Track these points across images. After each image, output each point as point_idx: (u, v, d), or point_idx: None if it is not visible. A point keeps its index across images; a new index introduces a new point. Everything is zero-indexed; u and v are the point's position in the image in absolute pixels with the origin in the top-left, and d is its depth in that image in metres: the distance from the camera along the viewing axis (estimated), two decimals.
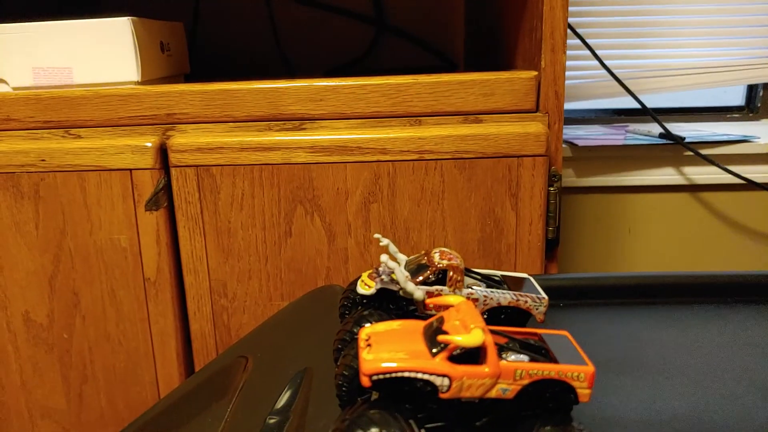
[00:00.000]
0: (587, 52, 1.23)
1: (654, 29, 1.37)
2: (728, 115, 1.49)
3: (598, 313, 0.56)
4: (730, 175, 1.30)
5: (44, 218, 0.74)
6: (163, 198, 0.74)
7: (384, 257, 0.42)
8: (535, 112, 0.75)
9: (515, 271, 0.74)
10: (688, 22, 1.37)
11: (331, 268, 0.76)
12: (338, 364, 0.39)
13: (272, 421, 0.43)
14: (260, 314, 0.77)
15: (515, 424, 0.33)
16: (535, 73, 0.74)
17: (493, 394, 0.32)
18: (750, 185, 1.35)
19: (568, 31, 1.11)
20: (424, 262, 0.44)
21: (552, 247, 0.77)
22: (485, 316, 0.44)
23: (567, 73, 1.39)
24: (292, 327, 0.58)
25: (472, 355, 0.33)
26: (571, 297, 0.58)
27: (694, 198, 1.37)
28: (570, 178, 1.34)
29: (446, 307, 0.39)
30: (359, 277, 0.45)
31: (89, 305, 0.76)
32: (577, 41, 1.21)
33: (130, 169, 0.73)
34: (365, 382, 0.32)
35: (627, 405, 0.41)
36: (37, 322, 0.77)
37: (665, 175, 1.33)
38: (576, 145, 1.29)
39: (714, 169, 1.31)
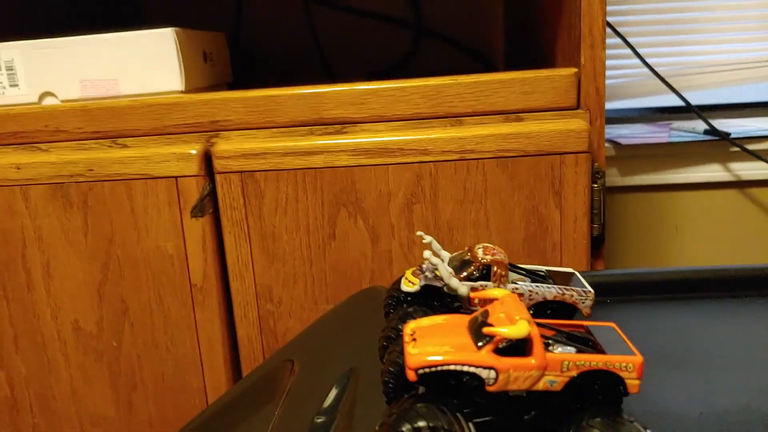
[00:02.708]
0: (629, 51, 1.22)
1: (696, 25, 1.35)
2: None
3: (645, 308, 0.55)
4: None
5: (93, 227, 0.76)
6: (209, 204, 0.75)
7: (427, 254, 0.42)
8: (576, 108, 0.74)
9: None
10: (730, 17, 1.34)
11: (376, 270, 0.76)
12: (384, 360, 0.39)
13: (320, 420, 0.43)
14: (306, 318, 0.77)
15: (564, 417, 0.33)
16: (575, 69, 0.73)
17: (540, 386, 0.32)
18: None
19: (609, 30, 1.10)
20: (467, 258, 0.44)
21: (598, 244, 0.76)
22: (531, 312, 0.43)
23: (609, 72, 1.37)
24: (337, 329, 0.58)
25: (518, 348, 0.32)
26: (618, 293, 0.58)
27: (742, 194, 1.34)
28: (615, 177, 1.33)
29: (491, 301, 0.39)
30: (403, 275, 0.45)
31: (137, 312, 0.77)
32: (618, 40, 1.20)
33: (176, 177, 0.74)
34: (411, 376, 0.32)
35: (678, 399, 0.40)
36: (86, 330, 0.78)
37: (711, 172, 1.31)
38: (620, 144, 1.28)
39: (761, 164, 1.29)
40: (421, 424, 0.30)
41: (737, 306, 0.54)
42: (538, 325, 0.35)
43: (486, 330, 0.32)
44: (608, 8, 1.35)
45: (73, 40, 0.78)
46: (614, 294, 0.57)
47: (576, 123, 0.71)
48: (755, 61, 1.34)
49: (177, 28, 0.78)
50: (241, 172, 0.74)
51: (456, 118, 0.75)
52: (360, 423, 0.41)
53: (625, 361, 0.32)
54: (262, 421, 0.46)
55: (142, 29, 0.78)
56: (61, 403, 0.81)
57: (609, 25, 1.17)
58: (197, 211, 0.74)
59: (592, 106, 0.74)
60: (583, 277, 0.58)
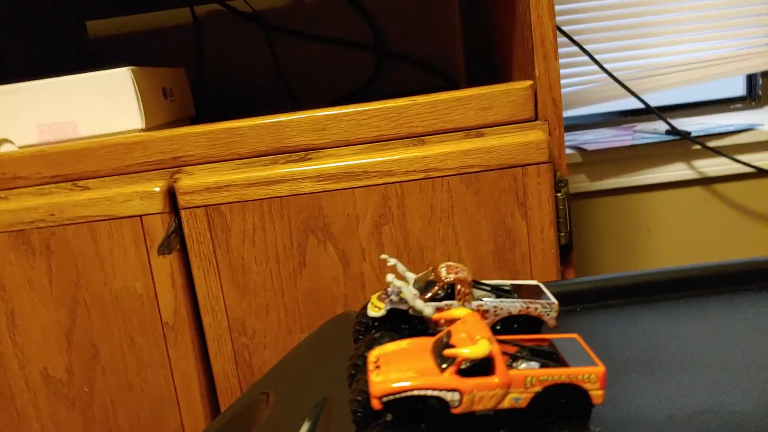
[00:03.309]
0: (586, 58, 1.23)
1: (650, 29, 1.38)
2: (731, 106, 1.49)
3: (615, 313, 0.55)
4: (739, 165, 1.30)
5: (57, 272, 0.75)
6: (175, 241, 0.74)
7: (390, 277, 0.42)
8: (534, 120, 0.75)
9: (532, 279, 0.74)
10: (683, 18, 1.37)
11: (349, 294, 0.76)
12: (351, 389, 0.38)
13: None
14: (281, 349, 0.76)
15: None
16: (531, 82, 0.74)
17: (506, 404, 0.32)
18: (760, 172, 1.34)
19: (565, 39, 1.12)
20: (432, 278, 0.44)
21: (566, 252, 0.76)
22: (498, 327, 0.43)
23: (569, 80, 1.39)
24: (310, 358, 0.58)
25: (481, 367, 0.32)
26: (588, 300, 0.58)
27: (707, 190, 1.36)
28: (583, 183, 1.34)
29: (455, 320, 0.39)
30: (369, 300, 0.45)
31: (108, 356, 0.76)
32: (575, 48, 1.21)
33: (140, 215, 0.73)
34: (376, 404, 0.32)
35: (649, 404, 0.40)
36: (56, 378, 0.77)
37: (676, 171, 1.33)
38: (585, 150, 1.29)
39: (723, 160, 1.31)
40: None
41: (704, 304, 0.54)
42: (501, 342, 0.35)
43: (447, 352, 0.32)
44: (563, 17, 1.37)
45: (29, 85, 0.77)
46: (583, 302, 0.58)
47: (535, 134, 0.72)
48: (709, 59, 1.37)
49: (134, 67, 0.78)
50: (206, 206, 0.73)
51: (418, 137, 0.75)
52: None
53: (588, 373, 0.32)
54: None
55: (99, 70, 0.78)
56: None
57: (564, 33, 1.19)
58: (164, 249, 0.74)
59: (550, 117, 0.75)
60: (552, 286, 0.58)
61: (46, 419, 0.78)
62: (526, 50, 0.76)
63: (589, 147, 1.28)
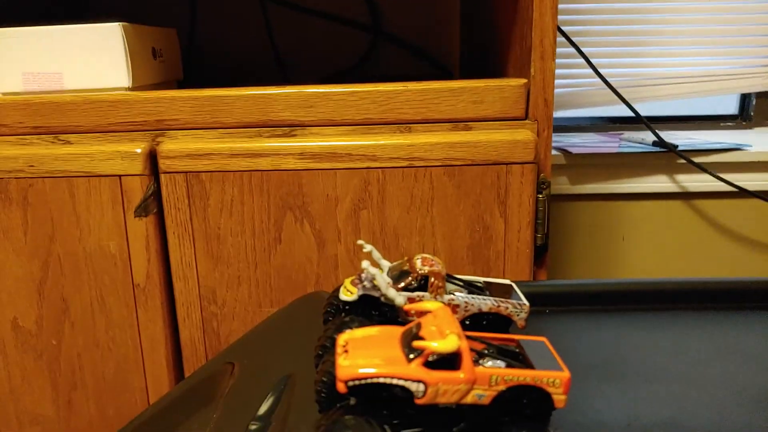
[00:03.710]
0: (582, 60, 1.23)
1: (649, 38, 1.38)
2: (722, 124, 1.49)
3: (583, 319, 0.55)
4: (722, 183, 1.30)
5: (33, 224, 0.74)
6: (153, 204, 0.74)
7: (365, 263, 0.42)
8: (525, 119, 0.75)
9: (504, 278, 0.74)
10: (683, 32, 1.37)
11: (321, 274, 0.76)
12: (317, 370, 0.38)
13: (254, 427, 0.42)
14: (250, 321, 0.76)
15: (492, 430, 0.33)
16: (525, 80, 0.74)
17: (468, 400, 0.32)
18: (742, 193, 1.35)
19: (564, 39, 1.12)
20: (406, 268, 0.44)
21: (541, 253, 0.77)
22: (467, 323, 0.44)
23: (561, 81, 1.39)
24: (278, 333, 0.58)
25: (448, 361, 0.33)
26: (557, 303, 0.58)
27: (687, 205, 1.37)
28: (564, 185, 1.34)
29: (426, 312, 0.39)
30: (342, 284, 0.45)
31: (78, 312, 0.76)
32: (572, 49, 1.21)
33: (120, 176, 0.73)
34: (341, 388, 0.32)
35: (608, 411, 0.41)
36: (25, 328, 0.77)
37: (659, 183, 1.34)
38: (570, 152, 1.29)
39: (707, 176, 1.32)
40: None
41: (672, 318, 0.55)
42: (470, 338, 0.36)
43: (416, 344, 0.32)
44: (563, 17, 1.37)
45: (17, 30, 0.76)
46: (553, 304, 0.58)
47: (523, 134, 0.72)
48: (705, 75, 1.38)
49: (125, 23, 0.77)
50: (186, 172, 0.73)
51: (405, 125, 0.75)
52: (293, 431, 0.41)
53: (553, 377, 0.32)
54: (200, 424, 0.45)
55: (89, 23, 0.76)
56: None
57: (563, 34, 1.19)
58: (141, 211, 0.73)
59: (540, 117, 0.75)
60: (524, 287, 0.58)
61: (13, 367, 0.78)
62: (524, 48, 0.76)
63: (575, 150, 1.29)
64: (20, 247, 0.74)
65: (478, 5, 1.07)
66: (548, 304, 0.58)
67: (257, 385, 0.48)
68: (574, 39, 1.22)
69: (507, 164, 0.72)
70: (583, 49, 1.23)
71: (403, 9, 1.21)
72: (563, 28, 1.28)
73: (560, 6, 1.36)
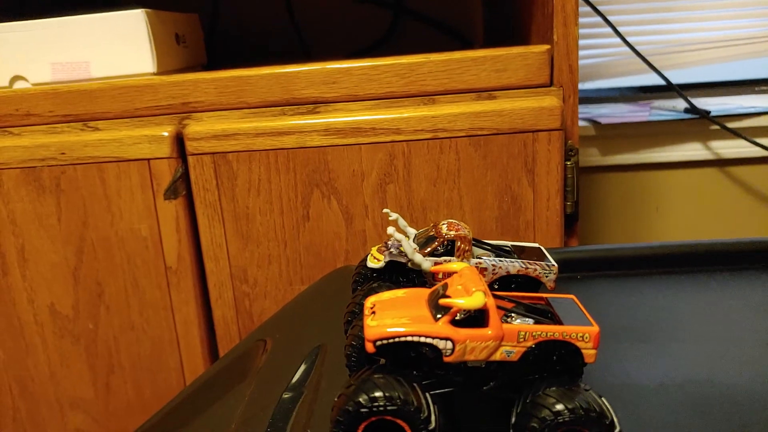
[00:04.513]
0: (608, 30, 1.21)
1: (677, 3, 1.35)
2: (756, 88, 1.46)
3: (615, 284, 0.55)
4: (757, 148, 1.28)
5: (66, 211, 0.75)
6: (182, 186, 0.74)
7: (391, 230, 0.42)
8: (549, 86, 0.74)
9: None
10: None
11: (350, 250, 0.76)
12: (347, 335, 0.39)
13: (287, 396, 0.43)
14: (281, 299, 0.77)
15: (522, 387, 0.33)
16: (548, 47, 0.73)
17: (497, 356, 0.32)
18: None
19: (589, 9, 1.10)
20: (432, 234, 0.44)
21: (571, 222, 0.76)
22: (496, 286, 0.44)
23: (589, 52, 1.37)
24: (309, 308, 0.58)
25: (475, 319, 0.32)
26: (589, 269, 0.58)
27: (722, 172, 1.35)
28: (594, 157, 1.33)
29: (452, 273, 0.39)
30: (369, 252, 0.45)
31: (113, 295, 0.77)
32: (598, 18, 1.20)
33: (148, 159, 0.73)
34: (369, 348, 0.32)
35: (640, 371, 0.41)
36: (62, 313, 0.78)
37: (692, 151, 1.31)
38: (599, 123, 1.28)
39: (741, 142, 1.29)
40: (378, 394, 0.31)
41: (704, 280, 0.54)
42: (498, 297, 0.35)
43: (442, 301, 0.32)
44: None
45: (44, 22, 0.77)
46: (585, 270, 0.58)
47: (549, 100, 0.71)
48: (736, 38, 1.35)
49: (148, 9, 0.77)
50: (213, 153, 0.73)
51: (428, 96, 0.74)
52: (325, 397, 0.41)
53: (582, 332, 0.32)
54: (235, 400, 0.46)
55: (113, 11, 0.77)
56: (40, 386, 0.81)
57: (589, 3, 1.17)
58: (170, 193, 0.74)
59: (566, 84, 0.74)
60: (553, 253, 0.58)
61: (52, 352, 0.80)
62: (545, 15, 0.75)
63: (604, 120, 1.27)
64: (55, 234, 0.76)
65: None
66: (579, 270, 0.58)
67: (290, 357, 0.49)
68: (599, 7, 1.20)
69: (533, 132, 0.72)
70: (609, 18, 1.21)
71: None
72: None
73: None
